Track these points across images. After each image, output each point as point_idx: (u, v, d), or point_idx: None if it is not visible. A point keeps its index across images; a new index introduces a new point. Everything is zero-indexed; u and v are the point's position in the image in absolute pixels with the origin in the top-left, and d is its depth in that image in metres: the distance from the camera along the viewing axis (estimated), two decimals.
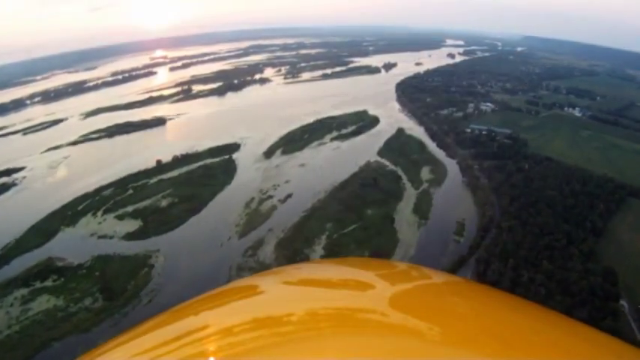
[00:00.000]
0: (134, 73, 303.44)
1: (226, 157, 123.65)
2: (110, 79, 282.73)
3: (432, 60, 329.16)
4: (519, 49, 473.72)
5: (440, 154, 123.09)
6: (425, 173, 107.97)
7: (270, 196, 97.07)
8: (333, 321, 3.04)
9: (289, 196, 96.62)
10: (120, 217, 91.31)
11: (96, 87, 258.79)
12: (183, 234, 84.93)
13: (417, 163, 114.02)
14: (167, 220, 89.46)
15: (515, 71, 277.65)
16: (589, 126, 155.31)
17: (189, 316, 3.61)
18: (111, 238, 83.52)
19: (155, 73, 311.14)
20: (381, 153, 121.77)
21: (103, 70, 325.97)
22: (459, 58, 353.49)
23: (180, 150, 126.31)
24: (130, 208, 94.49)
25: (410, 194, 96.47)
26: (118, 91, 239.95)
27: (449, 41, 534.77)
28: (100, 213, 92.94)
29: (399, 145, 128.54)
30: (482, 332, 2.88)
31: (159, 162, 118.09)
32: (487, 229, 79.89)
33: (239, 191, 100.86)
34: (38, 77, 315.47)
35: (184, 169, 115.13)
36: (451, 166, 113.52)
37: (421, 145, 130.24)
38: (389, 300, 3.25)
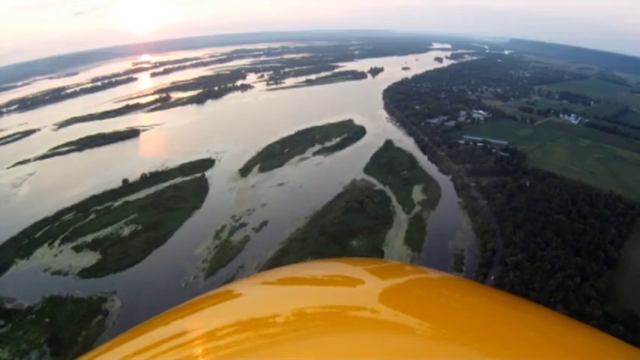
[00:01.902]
0: (114, 79, 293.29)
1: (198, 175, 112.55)
2: (89, 85, 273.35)
3: (419, 64, 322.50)
4: (507, 52, 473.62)
5: (432, 169, 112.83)
6: (417, 193, 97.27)
7: (244, 224, 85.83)
8: (329, 320, 2.99)
9: (265, 223, 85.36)
10: (77, 249, 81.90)
11: (74, 94, 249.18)
12: (143, 271, 74.58)
13: (407, 181, 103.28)
14: (127, 253, 79.67)
15: (506, 75, 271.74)
16: (587, 134, 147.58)
17: (185, 318, 3.54)
18: (65, 274, 74.41)
19: (135, 79, 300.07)
20: (367, 169, 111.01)
21: (84, 76, 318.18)
22: (446, 62, 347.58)
23: (149, 167, 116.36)
24: (89, 237, 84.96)
25: (401, 220, 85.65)
26: (95, 98, 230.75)
27: (435, 45, 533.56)
28: (57, 242, 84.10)
29: (387, 159, 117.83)
30: (480, 330, 2.85)
31: (125, 181, 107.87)
32: (490, 263, 69.50)
33: (209, 217, 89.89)
34: (19, 83, 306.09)
35: (152, 190, 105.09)
36: (445, 183, 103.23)
37: (411, 159, 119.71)
38: (386, 300, 3.20)
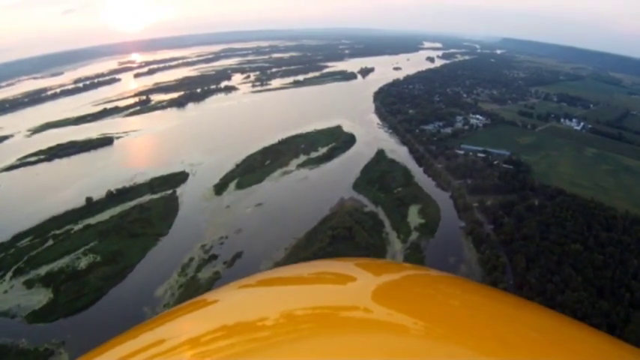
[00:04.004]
0: (97, 80, 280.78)
1: (169, 192, 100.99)
2: (71, 86, 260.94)
3: (410, 64, 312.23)
4: (499, 51, 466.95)
5: (429, 184, 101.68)
6: (413, 216, 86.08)
7: (214, 256, 74.27)
8: (324, 321, 2.91)
9: (238, 255, 73.78)
10: (29, 284, 72.01)
11: (54, 96, 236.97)
12: (96, 316, 63.20)
13: (402, 200, 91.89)
14: (82, 292, 69.30)
15: (500, 76, 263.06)
16: (592, 142, 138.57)
17: (176, 321, 3.42)
18: (13, 317, 65.02)
19: (119, 80, 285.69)
20: (357, 186, 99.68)
21: (68, 77, 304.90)
22: (438, 62, 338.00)
23: (118, 181, 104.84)
24: (43, 270, 74.94)
25: (395, 250, 74.40)
26: (75, 100, 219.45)
27: (426, 44, 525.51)
28: (9, 275, 74.65)
29: (379, 173, 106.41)
30: (478, 330, 2.79)
31: (89, 200, 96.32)
32: None
33: (176, 246, 78.40)
34: (3, 84, 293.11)
35: (117, 210, 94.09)
36: (445, 202, 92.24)
37: (406, 173, 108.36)
38: (381, 298, 3.10)
